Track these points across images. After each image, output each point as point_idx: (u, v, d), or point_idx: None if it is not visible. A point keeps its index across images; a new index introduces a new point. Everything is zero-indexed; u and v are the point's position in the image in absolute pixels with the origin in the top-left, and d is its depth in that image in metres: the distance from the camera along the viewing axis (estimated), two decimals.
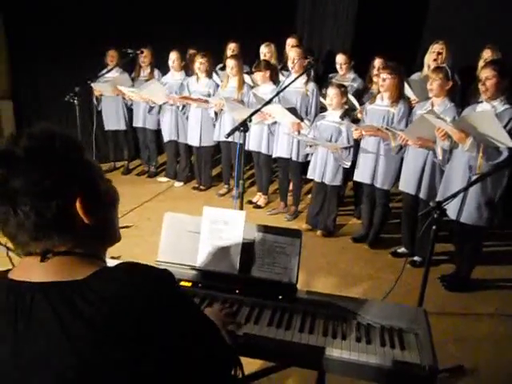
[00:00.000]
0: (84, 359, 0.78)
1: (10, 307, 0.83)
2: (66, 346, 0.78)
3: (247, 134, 4.48)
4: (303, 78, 4.19)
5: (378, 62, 4.23)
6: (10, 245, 0.91)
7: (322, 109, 4.29)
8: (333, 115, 3.97)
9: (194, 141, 5.08)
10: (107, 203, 0.96)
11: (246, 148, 4.58)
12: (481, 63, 3.92)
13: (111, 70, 4.98)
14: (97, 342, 0.79)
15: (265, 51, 4.96)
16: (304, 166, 4.43)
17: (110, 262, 1.81)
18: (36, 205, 0.83)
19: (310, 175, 4.18)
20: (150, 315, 0.83)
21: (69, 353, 0.78)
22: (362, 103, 4.21)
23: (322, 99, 4.30)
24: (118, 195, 1.01)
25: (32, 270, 0.87)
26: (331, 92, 3.89)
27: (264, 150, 4.61)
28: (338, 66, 4.61)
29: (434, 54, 4.02)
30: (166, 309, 0.86)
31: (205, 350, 0.99)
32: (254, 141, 4.60)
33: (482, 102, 3.14)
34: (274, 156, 4.58)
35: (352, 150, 3.89)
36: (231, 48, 5.15)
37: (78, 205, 0.87)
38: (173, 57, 5.06)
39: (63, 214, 0.85)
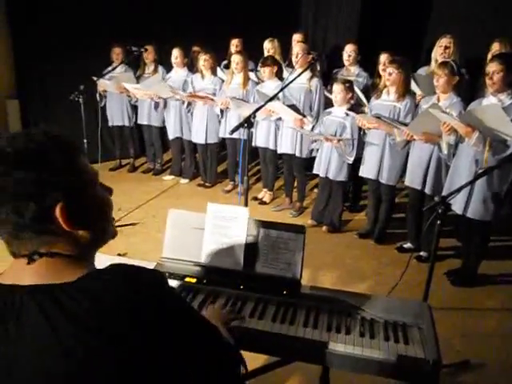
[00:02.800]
0: (75, 360, 0.78)
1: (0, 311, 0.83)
2: (56, 347, 0.79)
3: (255, 130, 4.55)
4: (307, 74, 4.18)
5: (383, 57, 4.20)
6: None
7: (328, 104, 4.28)
8: (338, 111, 3.96)
9: (199, 138, 5.08)
10: (95, 212, 0.94)
11: (254, 144, 4.62)
12: (489, 56, 3.88)
13: (116, 67, 5.01)
14: (88, 342, 0.79)
15: (268, 47, 4.95)
16: (308, 161, 4.43)
17: (116, 259, 1.84)
18: (16, 204, 0.82)
19: (315, 170, 4.18)
20: (142, 315, 0.83)
21: (60, 354, 0.78)
22: (369, 99, 4.18)
23: (328, 94, 4.29)
24: (111, 203, 0.99)
25: (21, 274, 0.86)
26: (336, 88, 3.89)
27: (272, 146, 4.60)
28: (345, 56, 4.56)
29: (441, 49, 3.98)
30: (158, 308, 0.86)
31: (200, 345, 0.99)
32: (262, 137, 4.60)
33: (488, 96, 3.12)
34: (278, 152, 4.58)
35: (355, 145, 3.88)
36: (234, 44, 5.15)
37: (57, 211, 0.85)
38: (176, 53, 5.07)
39: (42, 217, 0.84)
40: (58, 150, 0.86)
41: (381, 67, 4.20)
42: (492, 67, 2.97)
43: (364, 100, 4.19)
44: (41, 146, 0.85)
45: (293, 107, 4.17)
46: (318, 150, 4.18)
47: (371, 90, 4.34)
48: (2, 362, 0.81)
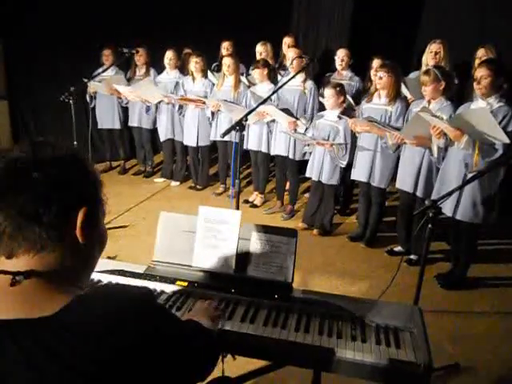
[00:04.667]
0: None
1: None
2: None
3: (247, 133, 4.55)
4: (301, 77, 4.19)
5: (376, 62, 4.22)
6: None
7: (320, 108, 4.29)
8: (330, 114, 3.97)
9: (190, 141, 5.07)
10: (98, 234, 0.94)
11: (246, 147, 4.62)
12: (476, 62, 3.93)
13: (107, 69, 4.97)
14: (73, 380, 0.75)
15: (260, 50, 4.96)
16: (301, 164, 4.43)
17: (106, 262, 1.81)
18: (39, 193, 0.80)
19: (308, 174, 4.18)
20: (129, 345, 0.80)
21: None
22: (359, 104, 4.20)
23: (320, 98, 4.30)
24: (107, 237, 0.99)
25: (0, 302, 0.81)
26: (327, 92, 3.91)
27: (264, 149, 4.61)
28: (338, 61, 4.58)
29: (431, 54, 4.02)
30: (146, 339, 0.83)
31: (191, 364, 0.99)
32: (254, 140, 4.60)
33: (476, 100, 3.15)
34: (272, 154, 4.58)
35: (348, 149, 3.90)
36: (225, 47, 5.15)
37: (80, 216, 0.85)
38: (169, 55, 5.05)
39: (59, 222, 0.82)
40: (85, 171, 0.90)
41: (372, 72, 4.22)
42: (480, 72, 3.00)
43: (352, 104, 4.21)
44: (82, 159, 0.90)
45: (286, 111, 4.18)
46: (310, 153, 4.19)
47: (362, 95, 4.36)
48: None
